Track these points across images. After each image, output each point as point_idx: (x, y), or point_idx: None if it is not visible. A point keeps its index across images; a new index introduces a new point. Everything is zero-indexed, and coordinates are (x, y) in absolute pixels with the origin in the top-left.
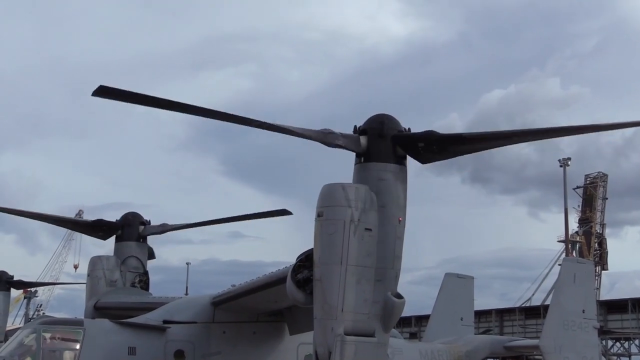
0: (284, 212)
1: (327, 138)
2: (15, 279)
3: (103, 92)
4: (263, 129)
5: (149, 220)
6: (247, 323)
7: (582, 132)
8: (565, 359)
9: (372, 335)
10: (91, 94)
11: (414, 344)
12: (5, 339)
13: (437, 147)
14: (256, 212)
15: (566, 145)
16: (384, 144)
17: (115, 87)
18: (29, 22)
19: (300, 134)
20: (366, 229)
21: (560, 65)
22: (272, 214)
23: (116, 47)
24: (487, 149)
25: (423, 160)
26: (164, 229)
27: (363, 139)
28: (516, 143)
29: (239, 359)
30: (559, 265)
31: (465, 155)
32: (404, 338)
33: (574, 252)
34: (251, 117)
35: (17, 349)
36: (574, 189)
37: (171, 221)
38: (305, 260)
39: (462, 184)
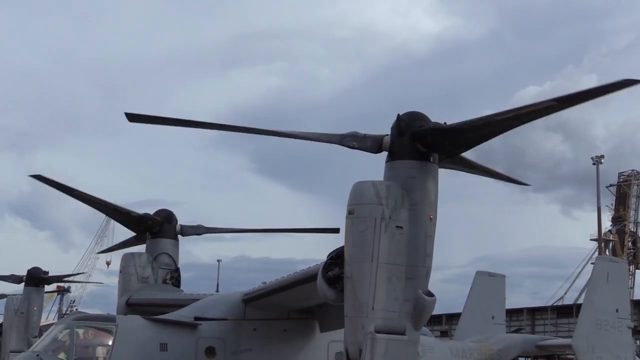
0: (334, 230)
1: (342, 141)
2: (48, 275)
3: (133, 118)
4: (278, 136)
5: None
6: (277, 320)
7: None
8: (599, 359)
9: (402, 333)
10: (128, 120)
11: (445, 342)
12: (40, 335)
13: (446, 139)
14: (307, 227)
15: (602, 142)
16: (403, 141)
17: (141, 113)
18: (62, 21)
19: (316, 139)
20: (397, 226)
21: (596, 62)
22: (323, 231)
23: (147, 45)
24: (498, 134)
25: (445, 155)
26: (200, 230)
27: (387, 137)
28: (524, 122)
29: (269, 356)
30: (592, 264)
31: (498, 153)
32: (435, 336)
33: (607, 250)
34: (281, 114)
35: (51, 344)
36: (607, 187)
37: (201, 218)
38: (336, 258)
39: (496, 182)
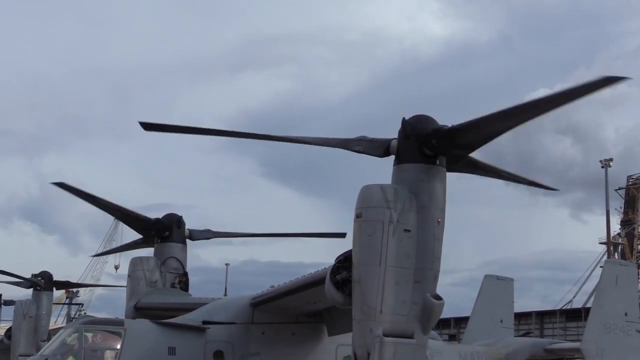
0: (340, 235)
1: (348, 145)
2: (57, 279)
3: (148, 127)
4: (287, 142)
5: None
6: (286, 324)
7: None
8: None
9: (411, 336)
10: (143, 129)
11: (453, 345)
12: (48, 338)
13: (449, 141)
14: (312, 232)
15: (612, 145)
16: (409, 145)
17: (156, 122)
18: (71, 26)
19: (323, 144)
20: (405, 230)
21: (607, 65)
22: (330, 235)
23: (156, 50)
24: (502, 133)
25: (452, 157)
26: (208, 235)
27: (394, 141)
28: (525, 121)
29: None
30: (601, 267)
31: (509, 156)
32: (443, 340)
33: (616, 254)
34: (290, 118)
35: (60, 348)
36: (616, 190)
37: (211, 222)
38: (344, 262)
39: (505, 185)
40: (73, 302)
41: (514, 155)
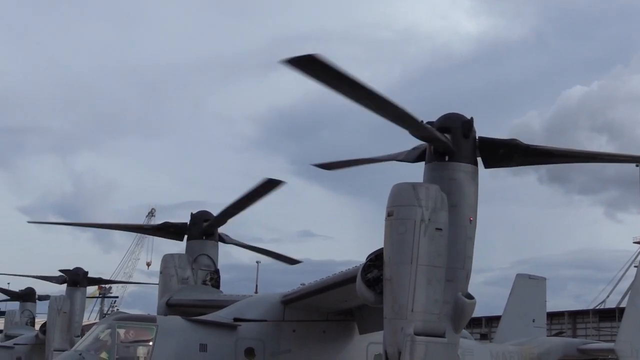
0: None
1: (398, 157)
2: (90, 276)
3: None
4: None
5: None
6: (316, 322)
7: None
8: None
9: (442, 335)
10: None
11: (485, 345)
12: (82, 334)
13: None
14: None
15: None
16: (469, 145)
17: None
18: (104, 26)
19: (377, 160)
20: (437, 228)
21: None
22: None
23: (188, 48)
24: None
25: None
26: (235, 242)
27: (447, 138)
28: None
29: (308, 358)
30: (635, 267)
31: None
32: (474, 339)
33: None
34: (321, 116)
35: (93, 343)
36: None
37: (241, 220)
38: (375, 260)
39: (539, 184)
40: (106, 298)
41: None
